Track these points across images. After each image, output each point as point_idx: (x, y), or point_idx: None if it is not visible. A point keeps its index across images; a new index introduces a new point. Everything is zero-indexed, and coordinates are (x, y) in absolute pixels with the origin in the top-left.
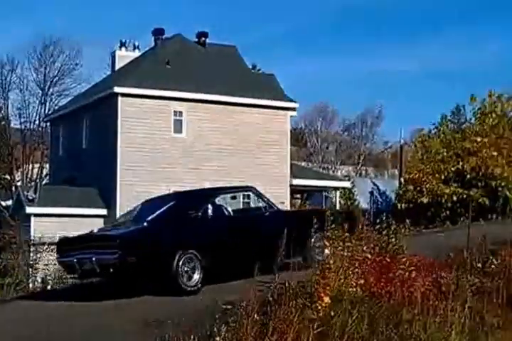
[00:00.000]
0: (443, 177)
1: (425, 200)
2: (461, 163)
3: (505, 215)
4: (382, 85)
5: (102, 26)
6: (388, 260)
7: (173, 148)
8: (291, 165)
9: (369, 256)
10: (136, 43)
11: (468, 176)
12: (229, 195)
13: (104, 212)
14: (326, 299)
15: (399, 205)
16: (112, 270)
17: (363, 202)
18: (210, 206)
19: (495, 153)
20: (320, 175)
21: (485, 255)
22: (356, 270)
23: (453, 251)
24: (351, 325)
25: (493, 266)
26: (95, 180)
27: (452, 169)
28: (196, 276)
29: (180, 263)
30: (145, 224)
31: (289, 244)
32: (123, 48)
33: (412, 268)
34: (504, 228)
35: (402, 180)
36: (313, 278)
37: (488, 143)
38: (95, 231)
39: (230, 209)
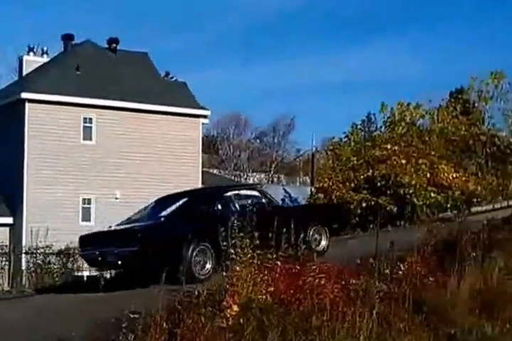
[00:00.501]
0: (353, 185)
1: None
2: (371, 171)
3: (413, 222)
4: (295, 93)
5: (9, 31)
6: (298, 267)
7: (82, 155)
8: (203, 172)
9: (279, 263)
10: (45, 48)
11: (378, 184)
12: (236, 192)
13: (9, 220)
14: (235, 307)
15: None
16: (132, 261)
17: None
18: (219, 202)
19: (404, 161)
20: (232, 183)
21: (393, 261)
22: (266, 277)
23: (362, 258)
24: (262, 334)
25: (400, 272)
26: (0, 187)
27: (362, 177)
28: (208, 266)
29: (194, 254)
30: (161, 219)
31: (291, 235)
32: (31, 53)
33: (322, 275)
34: (411, 235)
35: (313, 188)
36: (221, 286)
37: (397, 151)
38: (113, 226)
39: (237, 205)
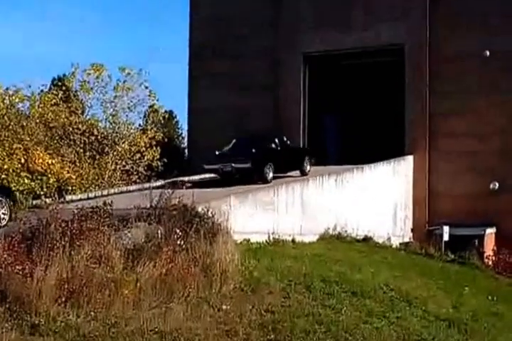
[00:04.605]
0: None
1: None
2: None
3: None
4: None
5: None
6: None
7: None
8: None
9: None
10: None
11: None
12: (278, 138)
13: None
14: None
15: None
16: (243, 172)
17: None
18: (273, 143)
19: None
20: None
21: None
22: None
23: None
24: None
25: None
26: None
27: None
28: (271, 174)
29: (267, 168)
30: (253, 150)
31: (295, 162)
32: None
33: None
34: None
35: None
36: None
37: None
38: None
39: (279, 145)
